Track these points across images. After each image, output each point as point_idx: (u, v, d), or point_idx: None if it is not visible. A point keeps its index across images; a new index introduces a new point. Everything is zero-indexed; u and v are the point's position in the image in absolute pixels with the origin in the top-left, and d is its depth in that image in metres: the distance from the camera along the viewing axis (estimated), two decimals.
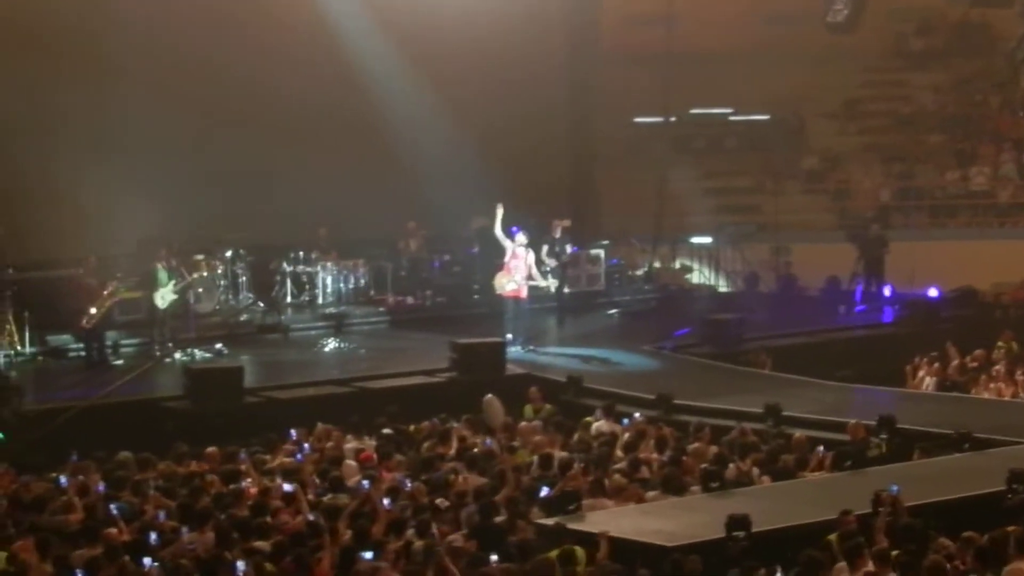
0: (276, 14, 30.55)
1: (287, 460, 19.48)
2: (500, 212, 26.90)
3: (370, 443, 20.05)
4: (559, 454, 19.13)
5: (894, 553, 13.96)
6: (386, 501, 16.59)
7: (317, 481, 18.18)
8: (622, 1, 37.17)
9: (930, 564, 13.66)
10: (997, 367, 25.46)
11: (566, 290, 29.67)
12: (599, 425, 21.05)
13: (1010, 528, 14.44)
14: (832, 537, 14.53)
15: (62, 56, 28.10)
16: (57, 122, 27.96)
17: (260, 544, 15.05)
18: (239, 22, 30.21)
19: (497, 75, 31.94)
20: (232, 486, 17.76)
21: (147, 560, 14.71)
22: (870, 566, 13.74)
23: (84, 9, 28.61)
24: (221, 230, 29.29)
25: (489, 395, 22.37)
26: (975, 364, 25.73)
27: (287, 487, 17.51)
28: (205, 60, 29.11)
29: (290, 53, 30.20)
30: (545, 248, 28.36)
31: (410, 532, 15.31)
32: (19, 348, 26.14)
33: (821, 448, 19.30)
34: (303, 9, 30.76)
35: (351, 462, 19.09)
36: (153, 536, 15.57)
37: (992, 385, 24.70)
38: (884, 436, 19.89)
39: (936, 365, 25.70)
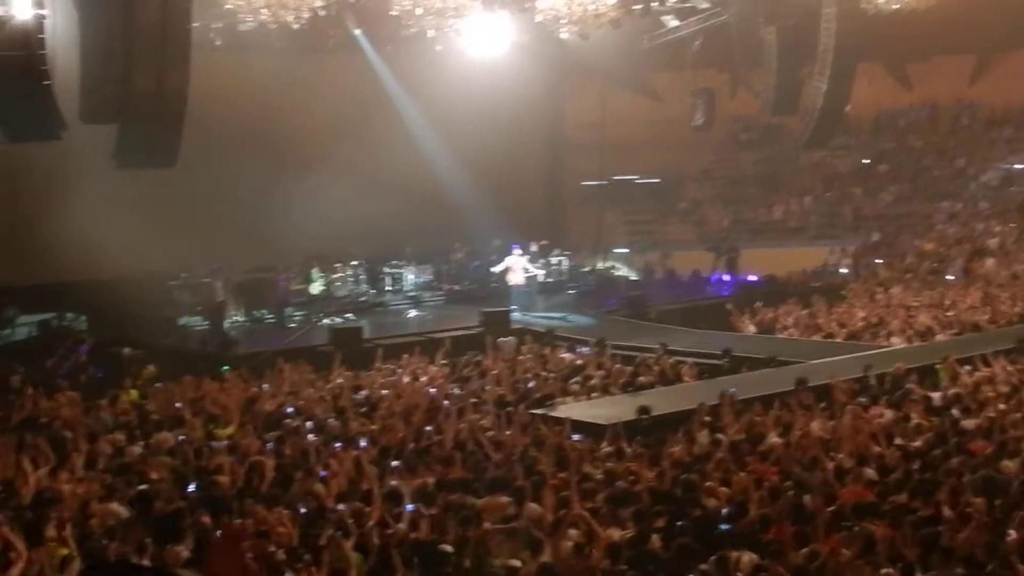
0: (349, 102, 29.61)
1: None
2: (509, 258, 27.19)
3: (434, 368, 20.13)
4: (544, 372, 19.31)
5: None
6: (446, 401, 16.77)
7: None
8: (574, 112, 37.14)
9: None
10: (788, 319, 25.60)
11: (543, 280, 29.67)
12: (565, 355, 21.19)
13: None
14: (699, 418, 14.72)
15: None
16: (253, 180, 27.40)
17: None
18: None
19: (502, 153, 31.77)
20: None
21: None
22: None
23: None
24: (347, 246, 28.94)
25: (502, 338, 22.52)
26: (775, 317, 25.86)
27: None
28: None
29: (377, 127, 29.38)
30: (528, 256, 28.40)
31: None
32: (236, 318, 26.16)
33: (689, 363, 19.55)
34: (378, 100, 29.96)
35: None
36: None
37: (785, 331, 24.85)
38: (726, 359, 20.06)
39: (755, 318, 25.87)
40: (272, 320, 26.36)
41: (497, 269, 28.00)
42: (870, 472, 11.97)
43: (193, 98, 20.76)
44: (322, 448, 13.70)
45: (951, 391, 16.18)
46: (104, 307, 24.10)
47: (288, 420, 15.48)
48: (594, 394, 17.61)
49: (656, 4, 28.45)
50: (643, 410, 15.07)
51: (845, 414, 14.62)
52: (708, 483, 11.71)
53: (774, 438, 13.65)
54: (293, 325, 25.82)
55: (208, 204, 26.25)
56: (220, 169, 26.21)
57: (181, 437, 14.30)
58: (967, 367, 17.58)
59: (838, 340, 22.97)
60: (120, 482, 11.91)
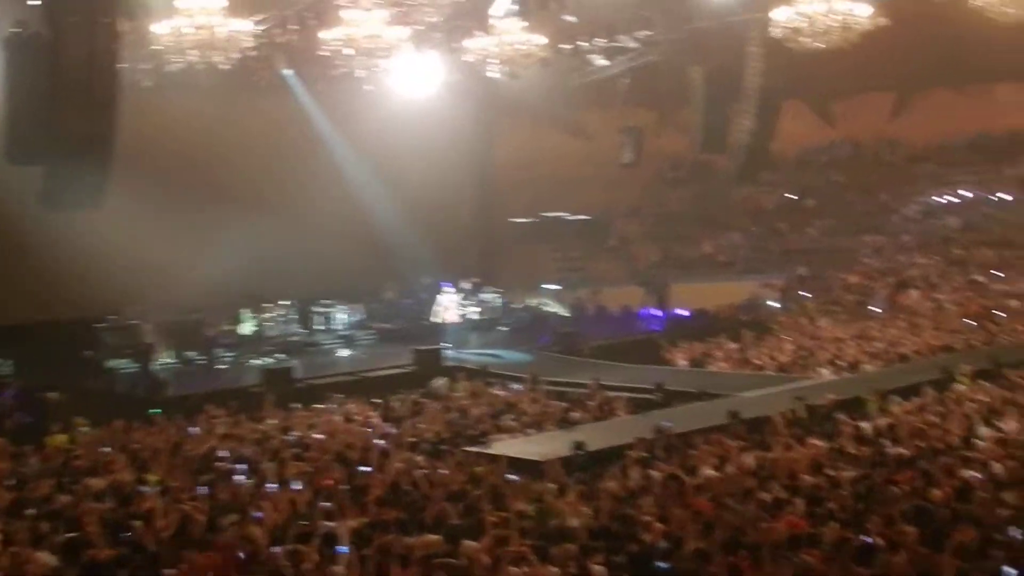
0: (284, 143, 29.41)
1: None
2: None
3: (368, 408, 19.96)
4: (478, 410, 19.24)
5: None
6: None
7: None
8: (505, 150, 37.21)
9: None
10: (719, 352, 25.76)
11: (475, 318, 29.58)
12: (498, 392, 21.13)
13: None
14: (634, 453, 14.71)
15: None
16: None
17: None
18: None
19: (433, 191, 31.69)
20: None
21: None
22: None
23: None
24: (277, 286, 28.63)
25: (437, 378, 22.41)
26: (706, 351, 26.00)
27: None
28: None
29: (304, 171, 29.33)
30: (460, 294, 28.37)
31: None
32: (164, 360, 25.76)
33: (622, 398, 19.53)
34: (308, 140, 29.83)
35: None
36: None
37: (716, 364, 24.99)
38: (659, 394, 20.10)
39: (686, 352, 26.00)
40: (201, 362, 25.96)
41: (434, 308, 27.87)
42: (803, 503, 12.01)
43: (121, 138, 20.53)
44: (255, 490, 13.49)
45: (881, 421, 16.33)
46: (30, 351, 23.63)
47: (220, 463, 15.24)
48: (528, 430, 17.56)
49: (584, 44, 28.63)
50: (578, 445, 15.03)
51: (778, 446, 14.70)
52: (644, 517, 11.69)
53: (708, 471, 13.67)
54: (222, 366, 25.50)
55: (136, 246, 25.82)
56: (149, 210, 25.81)
57: (110, 482, 14.02)
58: (895, 397, 17.75)
59: (768, 373, 23.16)
60: (48, 529, 11.64)
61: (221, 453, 15.98)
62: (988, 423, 15.95)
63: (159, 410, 19.82)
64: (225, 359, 26.09)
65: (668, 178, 40.82)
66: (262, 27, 23.26)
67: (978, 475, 12.82)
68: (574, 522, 11.71)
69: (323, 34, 22.67)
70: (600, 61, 30.53)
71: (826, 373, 22.31)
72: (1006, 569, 9.49)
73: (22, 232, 23.42)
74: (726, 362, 24.86)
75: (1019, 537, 10.31)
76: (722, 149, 32.14)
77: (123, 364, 25.18)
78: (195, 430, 17.89)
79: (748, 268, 37.05)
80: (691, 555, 10.44)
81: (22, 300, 23.85)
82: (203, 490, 13.68)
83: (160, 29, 20.12)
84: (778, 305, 33.80)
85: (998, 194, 37.60)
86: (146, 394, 21.86)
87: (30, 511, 12.61)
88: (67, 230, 23.57)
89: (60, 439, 17.42)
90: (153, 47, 22.59)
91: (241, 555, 10.91)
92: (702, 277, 35.88)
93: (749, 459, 14.28)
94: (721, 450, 14.84)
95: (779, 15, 21.58)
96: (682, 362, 25.31)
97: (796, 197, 40.18)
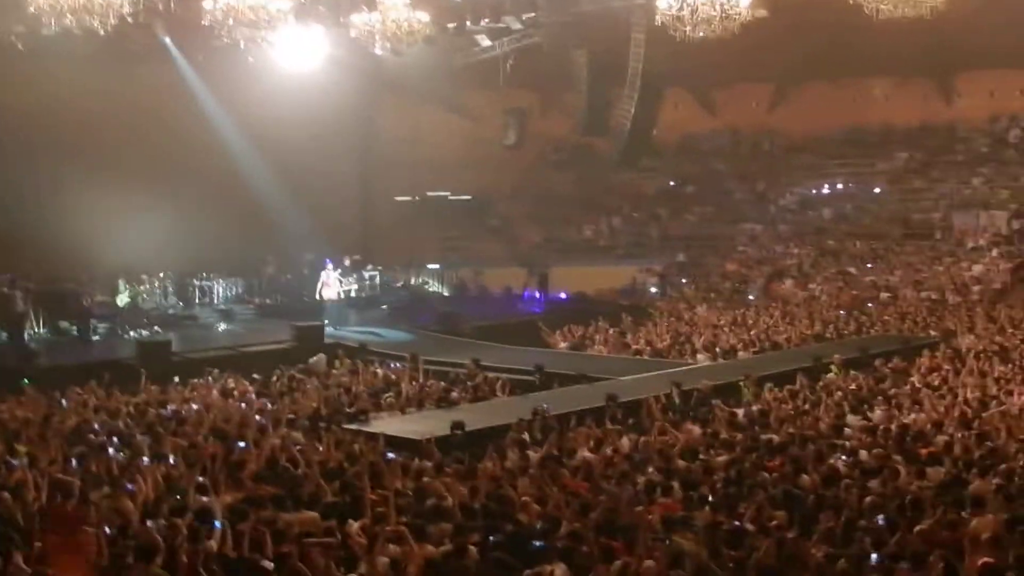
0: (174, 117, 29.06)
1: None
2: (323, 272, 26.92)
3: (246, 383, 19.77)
4: (357, 388, 19.17)
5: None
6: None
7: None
8: (388, 128, 37.10)
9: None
10: (598, 336, 26.01)
11: (356, 295, 29.43)
12: (378, 370, 21.10)
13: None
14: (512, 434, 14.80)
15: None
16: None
17: None
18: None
19: (316, 167, 31.54)
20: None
21: None
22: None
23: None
24: (155, 258, 28.18)
25: (317, 355, 22.31)
26: (586, 335, 26.24)
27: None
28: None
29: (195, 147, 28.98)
30: (340, 271, 28.25)
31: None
32: (36, 330, 25.19)
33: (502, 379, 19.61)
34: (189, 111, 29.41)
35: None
36: None
37: (595, 347, 25.23)
38: (538, 375, 20.22)
39: (566, 334, 26.20)
40: (76, 332, 25.46)
41: (315, 285, 27.67)
42: (677, 487, 12.22)
43: None
44: (128, 464, 13.29)
45: (754, 408, 16.68)
46: None
47: (92, 436, 14.97)
48: (408, 409, 17.56)
49: (469, 24, 28.62)
50: (457, 425, 15.10)
51: (653, 430, 14.94)
52: (521, 498, 11.79)
53: (585, 453, 13.83)
54: (97, 337, 25.03)
55: (11, 214, 25.25)
56: (22, 178, 25.28)
57: None
58: (768, 384, 18.13)
59: (646, 357, 23.44)
60: None
61: (94, 426, 15.68)
62: (856, 411, 16.40)
63: (30, 381, 19.33)
64: (100, 330, 25.48)
65: (551, 160, 41.07)
66: None
67: (846, 462, 13.17)
68: (451, 501, 11.75)
69: (205, 3, 22.26)
70: (485, 41, 30.59)
71: (702, 359, 22.67)
72: (871, 554, 9.79)
73: None
74: (605, 346, 25.09)
75: (883, 524, 10.61)
76: (604, 132, 32.46)
77: None
78: (68, 402, 17.46)
79: (628, 253, 37.47)
80: (566, 536, 10.57)
81: None
82: (75, 463, 13.44)
83: None
84: (657, 291, 34.27)
85: (871, 187, 38.56)
86: (17, 364, 21.30)
87: None
88: None
89: None
90: (28, 9, 22.07)
91: (112, 528, 10.76)
92: (583, 261, 36.26)
93: (625, 442, 14.48)
94: (598, 433, 15.00)
95: (662, 2, 21.80)
96: (562, 345, 25.48)
97: (676, 184, 40.68)
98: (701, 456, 13.72)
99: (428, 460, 13.61)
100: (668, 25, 22.04)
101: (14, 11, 22.48)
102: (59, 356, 22.54)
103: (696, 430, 15.27)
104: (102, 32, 23.21)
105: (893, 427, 15.05)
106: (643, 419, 15.93)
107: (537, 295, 32.81)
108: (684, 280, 35.23)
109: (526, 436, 14.79)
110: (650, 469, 13.08)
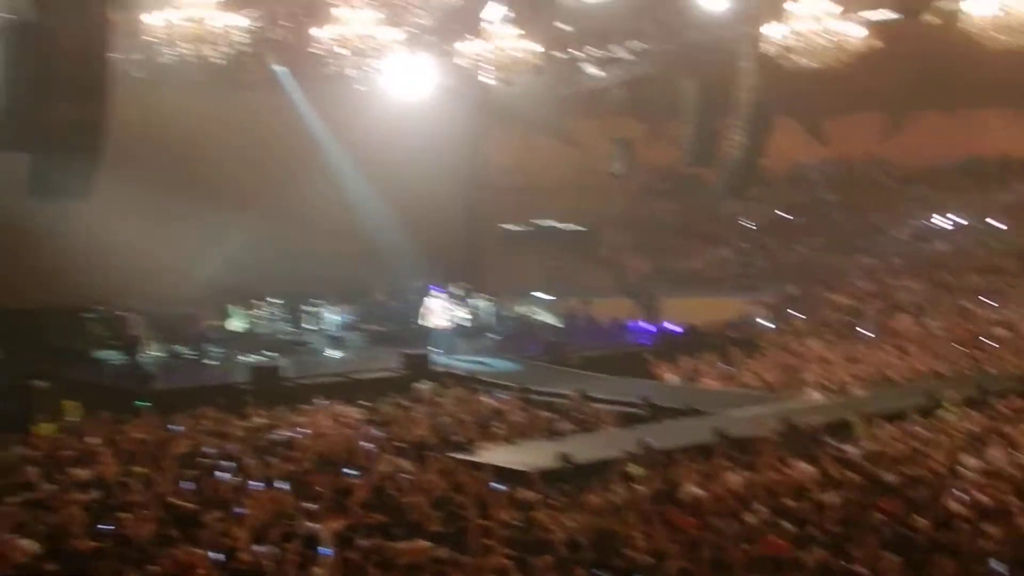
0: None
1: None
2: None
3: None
4: (464, 416, 19.26)
5: None
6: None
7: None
8: (495, 156, 37.30)
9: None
10: (706, 368, 25.82)
11: (463, 324, 29.51)
12: (485, 399, 21.17)
13: None
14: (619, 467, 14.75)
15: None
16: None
17: None
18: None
19: (423, 194, 31.62)
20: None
21: None
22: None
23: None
24: (266, 284, 28.57)
25: (424, 382, 22.44)
26: (694, 367, 26.05)
27: None
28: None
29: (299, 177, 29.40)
30: (447, 298, 28.39)
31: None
32: (152, 354, 25.59)
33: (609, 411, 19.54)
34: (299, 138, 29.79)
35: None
36: None
37: (704, 380, 25.05)
38: (646, 408, 20.13)
39: (675, 366, 26.05)
40: (190, 356, 25.94)
41: (423, 312, 27.84)
42: (787, 526, 12.08)
43: (112, 130, 20.52)
44: (239, 488, 13.54)
45: (866, 445, 16.41)
46: (16, 339, 23.62)
47: (204, 459, 15.27)
48: (514, 440, 17.59)
49: (577, 53, 28.71)
50: (564, 457, 15.08)
51: (763, 467, 14.78)
52: (628, 533, 11.75)
53: (693, 489, 13.74)
54: (210, 362, 25.46)
55: (124, 237, 25.84)
56: (138, 202, 25.86)
57: (95, 473, 14.06)
58: (881, 421, 17.84)
59: (755, 392, 23.21)
60: (32, 518, 11.68)
61: (206, 449, 16.00)
62: (973, 452, 16.04)
63: (145, 404, 19.80)
64: (214, 355, 25.92)
65: (657, 190, 40.89)
66: (254, 22, 23.21)
67: (962, 505, 12.91)
68: (556, 534, 11.76)
69: (315, 32, 22.66)
70: (593, 71, 30.63)
71: (813, 394, 22.39)
72: None
73: (9, 221, 23.42)
74: (713, 379, 24.89)
75: (1000, 570, 10.37)
76: (712, 162, 32.26)
77: (111, 355, 25.13)
78: (181, 425, 17.83)
79: (737, 285, 37.16)
80: (674, 573, 10.52)
81: (9, 288, 23.87)
82: (188, 485, 13.72)
83: (152, 20, 20.05)
84: (767, 323, 33.89)
85: (988, 219, 37.84)
86: (133, 387, 21.80)
87: (13, 499, 12.65)
88: (56, 220, 23.61)
89: (46, 428, 17.43)
90: (145, 38, 22.67)
91: (222, 553, 10.96)
92: (691, 291, 35.99)
93: (733, 478, 14.35)
94: (706, 468, 14.89)
95: (772, 32, 21.69)
96: (670, 377, 25.32)
97: (785, 214, 40.35)
98: (811, 495, 13.55)
99: (534, 492, 13.63)
100: (778, 55, 21.93)
101: (132, 39, 23.10)
102: (173, 380, 22.99)
103: (806, 468, 15.07)
104: (216, 61, 23.80)
105: (1011, 469, 14.70)
106: (752, 455, 15.76)
107: (646, 326, 32.62)
108: (794, 313, 34.81)
109: (633, 469, 14.75)
110: (758, 507, 12.96)
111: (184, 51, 22.09)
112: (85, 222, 24.40)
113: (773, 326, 33.34)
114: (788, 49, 21.61)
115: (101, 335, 25.49)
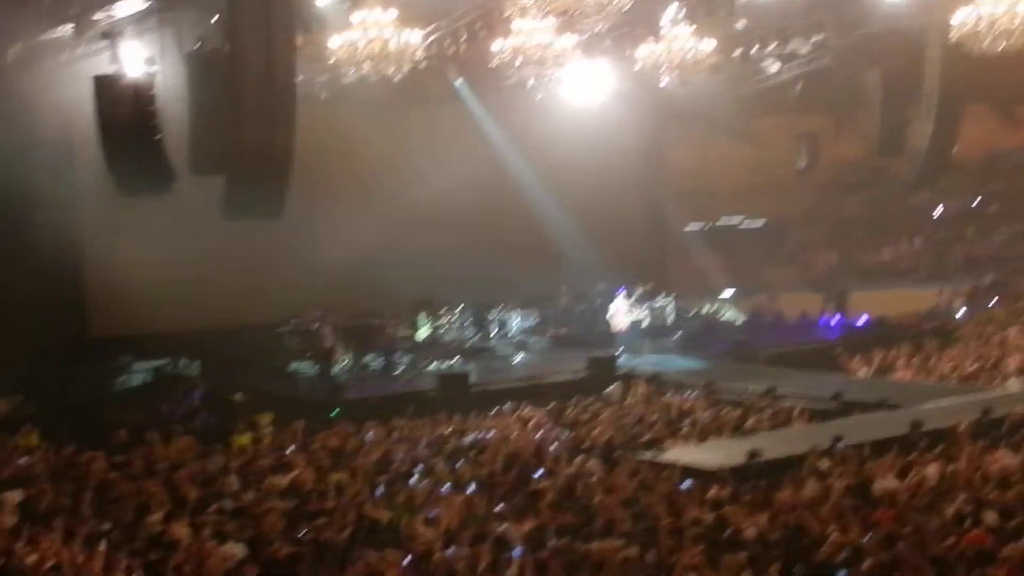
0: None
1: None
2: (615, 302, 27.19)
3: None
4: (651, 417, 19.17)
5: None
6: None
7: None
8: (675, 158, 37.04)
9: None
10: (900, 361, 25.18)
11: (649, 324, 29.32)
12: (672, 399, 21.02)
13: None
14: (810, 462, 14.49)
15: None
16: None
17: None
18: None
19: (604, 199, 31.76)
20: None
21: None
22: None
23: None
24: (451, 293, 28.92)
25: (612, 385, 22.41)
26: (886, 360, 25.44)
27: None
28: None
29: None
30: (633, 300, 28.26)
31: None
32: (344, 364, 26.24)
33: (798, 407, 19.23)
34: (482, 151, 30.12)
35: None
36: None
37: (897, 373, 24.43)
38: (837, 403, 19.73)
39: (866, 360, 25.47)
40: (380, 365, 26.45)
41: (608, 314, 27.80)
42: (990, 518, 11.64)
43: (298, 149, 21.07)
44: (430, 492, 13.73)
45: None
46: (216, 354, 24.54)
47: (396, 465, 15.54)
48: (703, 438, 17.43)
49: (756, 50, 28.28)
50: (753, 454, 14.88)
51: (963, 458, 14.29)
52: (821, 529, 11.49)
53: (889, 483, 13.37)
54: (400, 370, 25.90)
55: (314, 253, 26.62)
56: (326, 218, 26.60)
57: (292, 481, 14.43)
58: None
59: (953, 383, 22.53)
60: (233, 526, 12.04)
61: (397, 455, 16.28)
62: None
63: (338, 413, 20.25)
64: (403, 363, 26.39)
65: (843, 183, 40.04)
66: (432, 37, 23.57)
67: None
68: (748, 531, 11.59)
69: (494, 45, 22.85)
70: (772, 67, 30.14)
71: (1014, 383, 21.57)
72: None
73: (207, 241, 24.41)
74: (907, 372, 24.23)
75: None
76: (900, 153, 31.37)
77: (303, 367, 25.87)
78: (373, 433, 18.18)
79: (930, 275, 36.12)
80: (871, 567, 10.24)
81: (207, 306, 24.86)
82: (380, 490, 13.97)
83: (335, 42, 20.55)
84: (963, 313, 32.80)
85: None
86: (326, 397, 22.35)
87: (215, 507, 13.07)
88: (247, 238, 24.37)
89: (244, 439, 17.99)
90: (329, 60, 23.26)
91: (416, 556, 11.12)
92: (882, 284, 35.16)
93: (932, 471, 13.90)
94: (903, 461, 14.48)
95: (956, 18, 21.00)
96: (861, 371, 24.75)
97: (980, 203, 39.04)
98: (1016, 486, 13.04)
99: (724, 489, 13.47)
100: (965, 41, 21.24)
101: (316, 61, 23.72)
102: (365, 389, 23.43)
103: (1009, 458, 14.51)
104: (397, 78, 24.24)
105: None
106: (950, 447, 15.25)
107: (835, 320, 31.94)
108: (992, 302, 33.60)
109: (825, 465, 14.44)
110: (959, 499, 12.52)
111: (365, 69, 22.63)
112: (278, 240, 25.21)
113: (970, 316, 32.27)
114: (975, 34, 20.91)
115: (295, 348, 26.26)
